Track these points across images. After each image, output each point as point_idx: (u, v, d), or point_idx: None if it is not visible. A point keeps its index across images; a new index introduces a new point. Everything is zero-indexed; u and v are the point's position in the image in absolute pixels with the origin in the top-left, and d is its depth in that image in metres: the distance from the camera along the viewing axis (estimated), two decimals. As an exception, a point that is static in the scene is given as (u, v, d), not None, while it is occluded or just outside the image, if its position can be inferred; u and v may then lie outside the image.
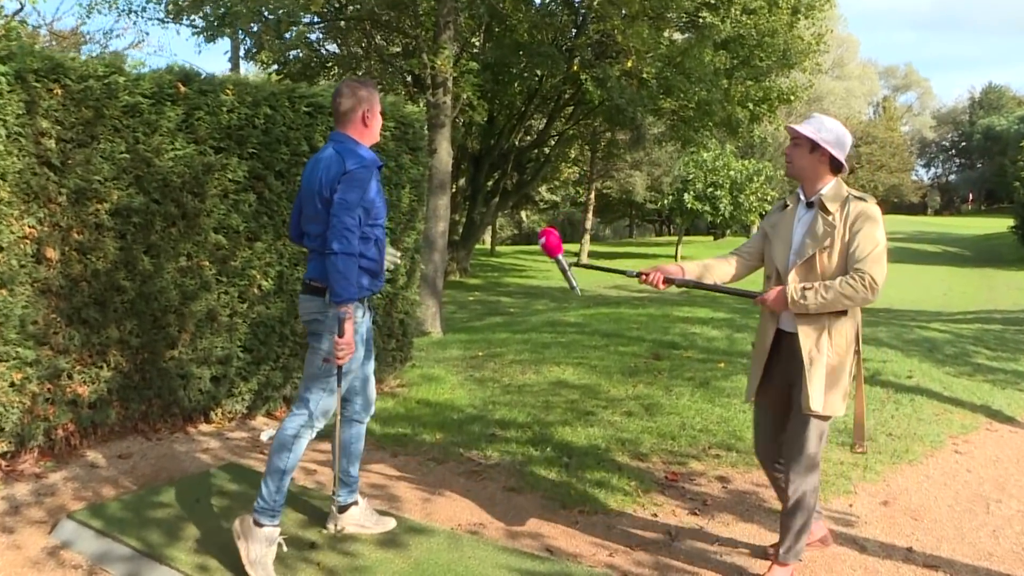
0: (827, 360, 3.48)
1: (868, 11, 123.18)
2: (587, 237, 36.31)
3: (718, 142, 27.27)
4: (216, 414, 5.98)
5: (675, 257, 36.12)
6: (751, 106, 18.11)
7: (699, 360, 8.07)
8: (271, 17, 12.66)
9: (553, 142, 25.41)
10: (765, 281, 3.74)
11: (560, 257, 3.80)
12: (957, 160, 77.27)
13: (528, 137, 25.51)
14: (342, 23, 18.89)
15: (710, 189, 34.30)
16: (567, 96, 21.83)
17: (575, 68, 17.42)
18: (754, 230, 49.10)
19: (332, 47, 20.62)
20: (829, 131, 3.54)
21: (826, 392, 3.49)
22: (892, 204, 50.13)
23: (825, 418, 3.53)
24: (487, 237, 44.82)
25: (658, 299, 15.21)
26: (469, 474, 5.01)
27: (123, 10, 18.24)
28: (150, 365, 5.47)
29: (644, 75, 15.64)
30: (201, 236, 5.59)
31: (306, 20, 17.86)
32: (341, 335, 3.52)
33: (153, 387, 5.52)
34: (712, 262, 3.83)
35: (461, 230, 26.40)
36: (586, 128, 25.33)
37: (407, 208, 6.91)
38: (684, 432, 5.73)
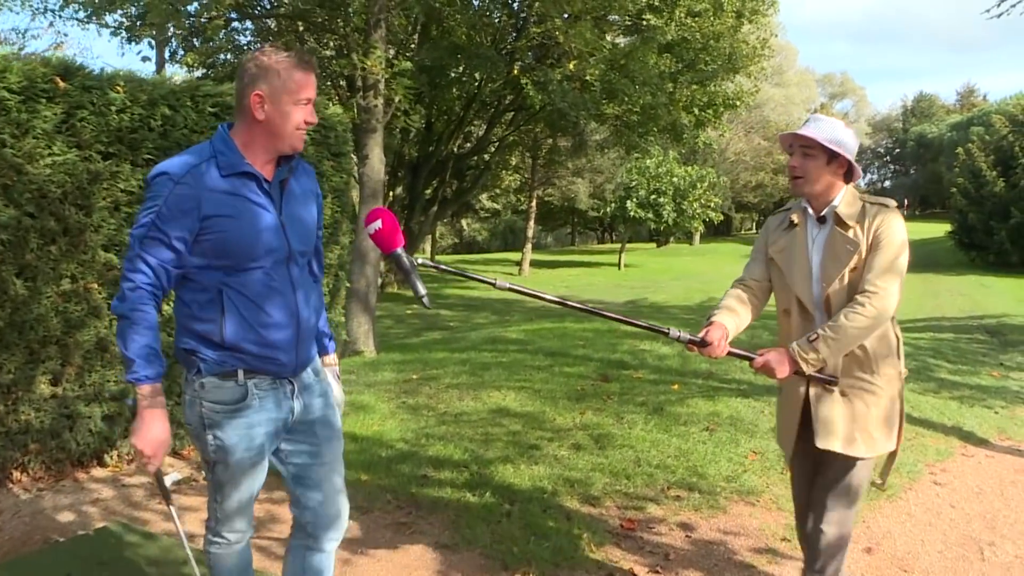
0: (876, 396, 2.96)
1: (805, 22, 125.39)
2: (528, 246, 35.79)
3: (661, 148, 26.95)
4: (111, 457, 5.23)
5: (618, 266, 35.84)
6: (696, 111, 17.72)
7: (651, 382, 7.51)
8: (191, 17, 11.85)
9: (493, 149, 24.81)
10: (782, 317, 3.14)
11: (400, 253, 2.65)
12: (892, 166, 78.72)
13: (467, 144, 24.88)
14: (272, 25, 18.09)
15: (653, 196, 34.08)
16: (507, 101, 21.27)
17: (515, 72, 16.86)
18: (696, 237, 49.33)
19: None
20: (843, 136, 2.94)
21: (879, 430, 2.98)
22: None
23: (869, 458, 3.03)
24: (427, 247, 44.07)
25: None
26: (397, 527, 4.35)
27: (37, 9, 17.24)
28: (26, 405, 4.71)
29: (587, 77, 15.13)
30: (88, 255, 4.84)
31: (234, 21, 17.06)
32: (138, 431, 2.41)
33: (31, 431, 4.76)
34: (736, 305, 3.13)
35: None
36: (527, 135, 24.81)
37: (329, 220, 6.23)
38: (639, 469, 5.13)
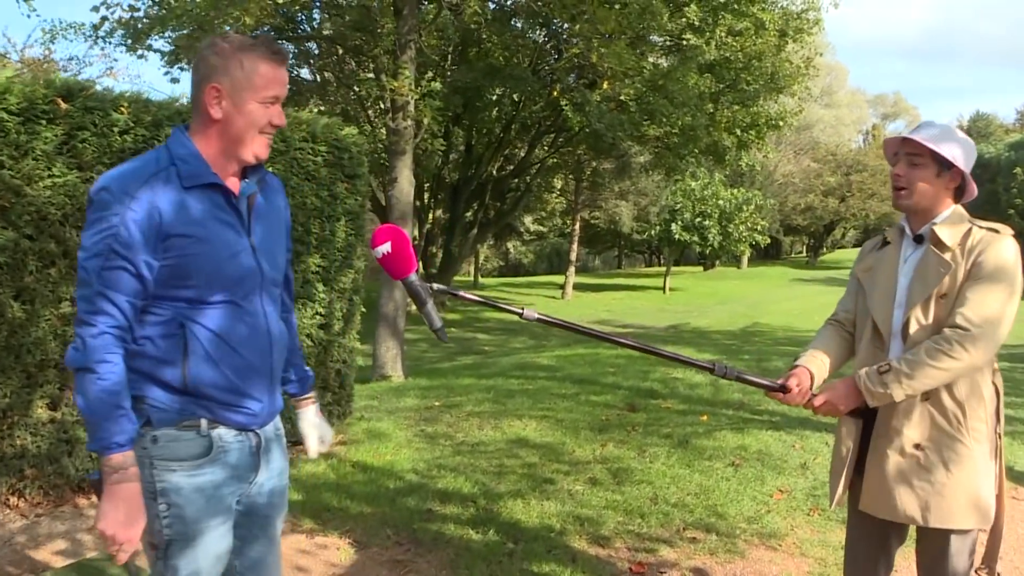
0: (961, 450, 2.51)
1: (856, 41, 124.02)
2: (572, 269, 35.55)
3: (705, 171, 26.62)
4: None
5: (663, 289, 35.45)
6: (738, 132, 17.39)
7: (679, 412, 7.23)
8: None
9: (534, 171, 24.66)
10: (857, 345, 2.77)
11: (413, 279, 2.31)
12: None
13: (509, 166, 24.77)
14: (314, 48, 18.19)
15: (698, 219, 33.68)
16: (548, 123, 21.14)
17: (555, 93, 16.72)
18: (744, 261, 48.77)
19: (305, 73, 19.92)
20: (959, 144, 2.58)
21: (967, 496, 2.50)
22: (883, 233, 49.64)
23: (968, 531, 2.57)
24: (470, 269, 44.07)
25: (643, 336, 14.42)
26: (393, 565, 4.14)
27: (89, 36, 17.54)
28: (22, 430, 4.60)
29: (623, 97, 14.92)
30: (88, 278, 4.74)
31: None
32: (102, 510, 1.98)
33: (27, 456, 4.64)
34: (824, 344, 2.82)
35: (439, 262, 25.55)
36: (569, 157, 24.62)
37: (343, 243, 6.09)
38: (655, 508, 4.86)
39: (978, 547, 2.70)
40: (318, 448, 2.53)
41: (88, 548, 4.32)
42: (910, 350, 2.52)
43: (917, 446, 2.53)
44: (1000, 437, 2.59)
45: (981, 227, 2.55)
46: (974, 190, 2.62)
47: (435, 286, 2.38)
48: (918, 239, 2.64)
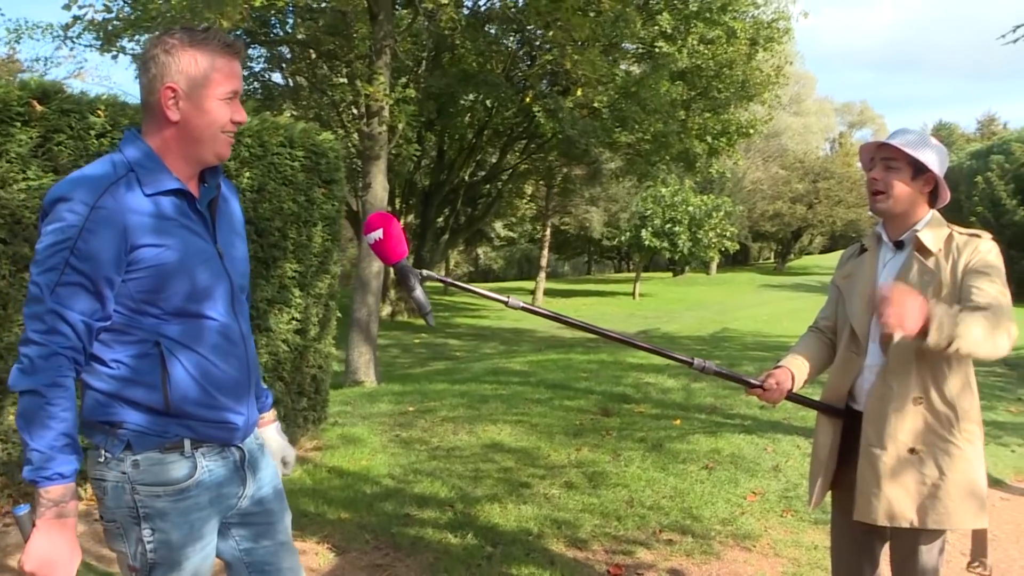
0: (954, 452, 2.53)
1: (825, 51, 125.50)
2: (543, 274, 35.62)
3: (676, 177, 26.81)
4: (85, 490, 5.06)
5: (633, 295, 35.61)
6: (709, 139, 17.56)
7: (652, 416, 7.29)
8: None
9: (506, 177, 24.72)
10: (839, 350, 2.79)
11: (404, 264, 2.37)
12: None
13: (480, 172, 24.81)
14: (286, 52, 18.11)
15: (668, 225, 33.87)
16: (520, 129, 21.21)
17: (528, 100, 16.79)
18: (713, 267, 48.99)
19: (277, 77, 19.83)
20: (932, 149, 2.62)
21: (963, 496, 2.53)
22: (850, 239, 50.18)
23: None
24: (442, 273, 44.02)
25: (611, 342, 14.47)
26: (372, 569, 4.15)
27: (58, 36, 17.37)
28: (-5, 436, 4.56)
29: (596, 104, 15.02)
30: (63, 282, 4.70)
31: (248, 47, 17.07)
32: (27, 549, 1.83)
33: None
34: (804, 349, 2.86)
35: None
36: (541, 163, 24.70)
37: (320, 249, 6.08)
38: (631, 511, 4.91)
39: (946, 544, 2.76)
40: (282, 471, 2.39)
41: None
42: (897, 357, 2.56)
43: (912, 450, 2.55)
44: (982, 438, 2.64)
45: (962, 233, 2.60)
46: (947, 195, 2.66)
47: (425, 272, 2.41)
48: (898, 245, 2.67)
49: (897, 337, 2.47)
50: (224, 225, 2.12)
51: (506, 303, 2.59)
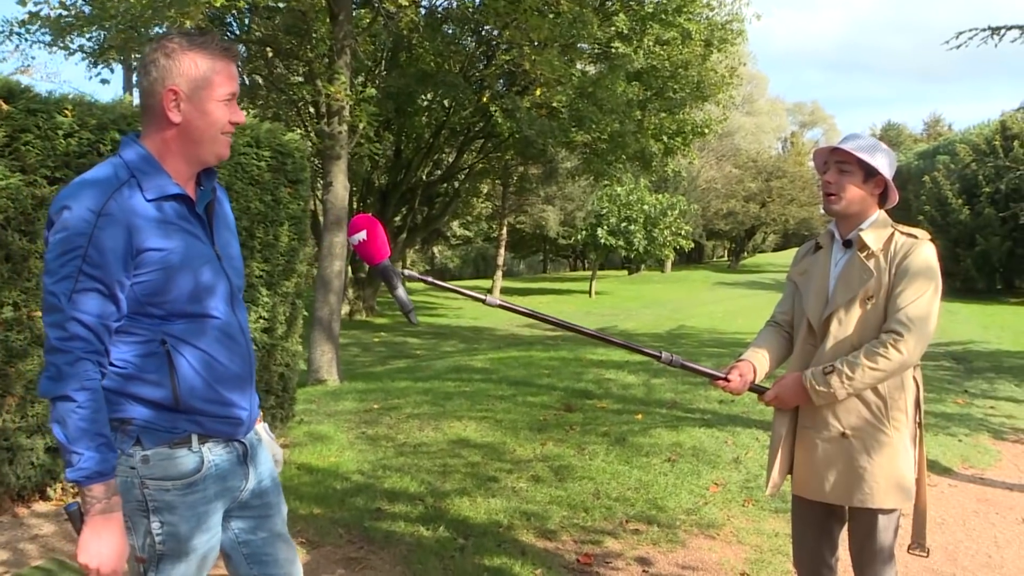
0: (881, 444, 2.74)
1: (776, 52, 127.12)
2: (499, 273, 35.71)
3: (632, 176, 27.05)
4: (54, 490, 5.06)
5: (589, 293, 35.83)
6: (665, 139, 17.79)
7: (614, 411, 7.42)
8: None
9: (463, 176, 24.76)
10: (795, 343, 2.99)
11: (387, 264, 2.46)
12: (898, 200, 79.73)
13: (437, 171, 24.82)
14: (242, 50, 17.97)
15: (624, 224, 34.14)
16: (477, 129, 21.27)
17: (485, 99, 16.86)
18: (668, 265, 49.32)
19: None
20: (881, 153, 2.80)
21: (888, 479, 2.74)
22: (803, 237, 51.04)
23: (892, 511, 2.80)
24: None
25: (571, 340, 14.63)
26: (347, 562, 4.22)
27: (3, 31, 17.07)
28: (-39, 437, 4.54)
29: (554, 104, 15.15)
30: (31, 282, 4.69)
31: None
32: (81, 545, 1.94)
33: (-30, 464, 4.59)
34: (765, 342, 3.04)
35: (367, 266, 25.38)
36: (497, 162, 24.78)
37: (286, 248, 6.12)
38: (598, 502, 5.03)
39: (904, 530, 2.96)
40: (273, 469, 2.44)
41: (31, 557, 4.28)
42: (835, 347, 2.78)
43: (843, 434, 2.76)
44: (920, 426, 2.82)
45: (903, 232, 2.79)
46: (896, 197, 2.85)
47: (407, 272, 2.53)
48: (847, 244, 2.85)
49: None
50: (220, 227, 2.20)
51: (484, 301, 2.69)
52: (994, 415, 7.95)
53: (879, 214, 2.85)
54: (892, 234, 2.79)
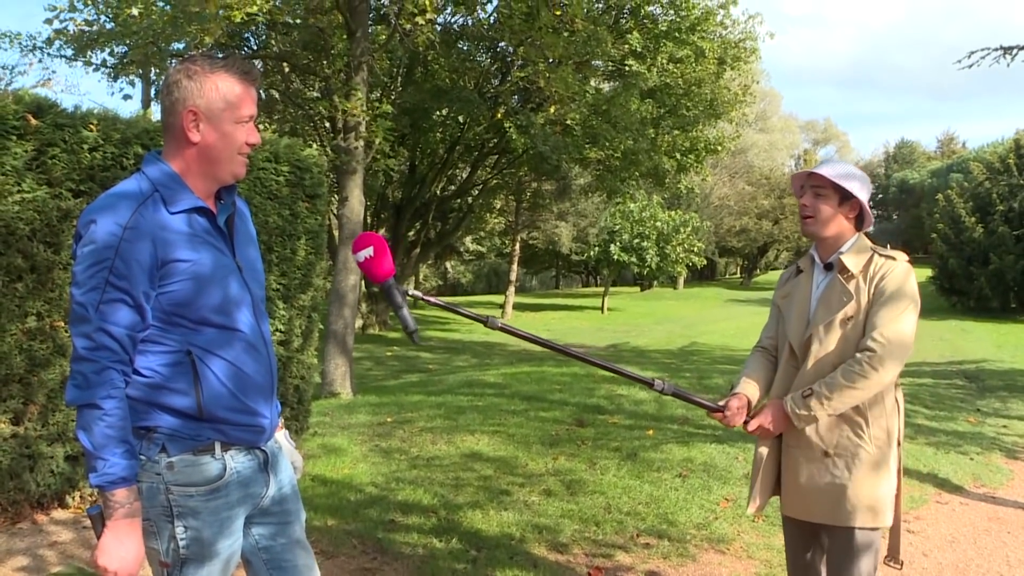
0: (863, 456, 2.79)
1: (790, 69, 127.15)
2: (512, 288, 35.76)
3: (645, 193, 27.09)
4: (73, 498, 5.14)
5: (601, 309, 35.82)
6: (678, 156, 17.85)
7: (626, 427, 7.47)
8: (173, 57, 11.87)
9: (476, 191, 24.87)
10: (780, 365, 3.04)
11: (391, 283, 2.48)
12: (874, 212, 79.14)
13: (451, 186, 24.95)
14: (259, 66, 18.16)
15: (636, 240, 34.15)
16: (491, 144, 21.38)
17: (499, 115, 16.97)
18: (680, 281, 49.16)
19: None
20: (855, 178, 2.88)
21: (868, 497, 2.77)
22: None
23: (873, 529, 2.82)
24: (410, 288, 43.93)
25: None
26: (361, 573, 4.27)
27: (26, 47, 17.30)
28: (-20, 447, 4.62)
29: (568, 122, 15.25)
30: (55, 293, 4.79)
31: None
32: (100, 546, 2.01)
33: (-13, 472, 4.66)
34: (754, 371, 3.08)
35: (381, 281, 25.44)
36: (511, 178, 24.89)
37: (303, 262, 6.21)
38: (609, 516, 5.08)
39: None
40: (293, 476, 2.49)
41: (51, 564, 4.35)
42: (816, 369, 2.83)
43: (825, 453, 2.81)
44: (899, 445, 2.87)
45: (882, 255, 2.86)
46: (871, 219, 2.94)
47: (411, 291, 2.55)
48: (828, 266, 2.93)
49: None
50: (241, 239, 2.28)
51: (485, 323, 2.71)
52: (1007, 434, 7.94)
53: (858, 237, 2.93)
54: (871, 256, 2.86)
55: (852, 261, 2.85)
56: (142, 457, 2.07)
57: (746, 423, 2.93)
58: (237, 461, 2.18)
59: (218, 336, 2.12)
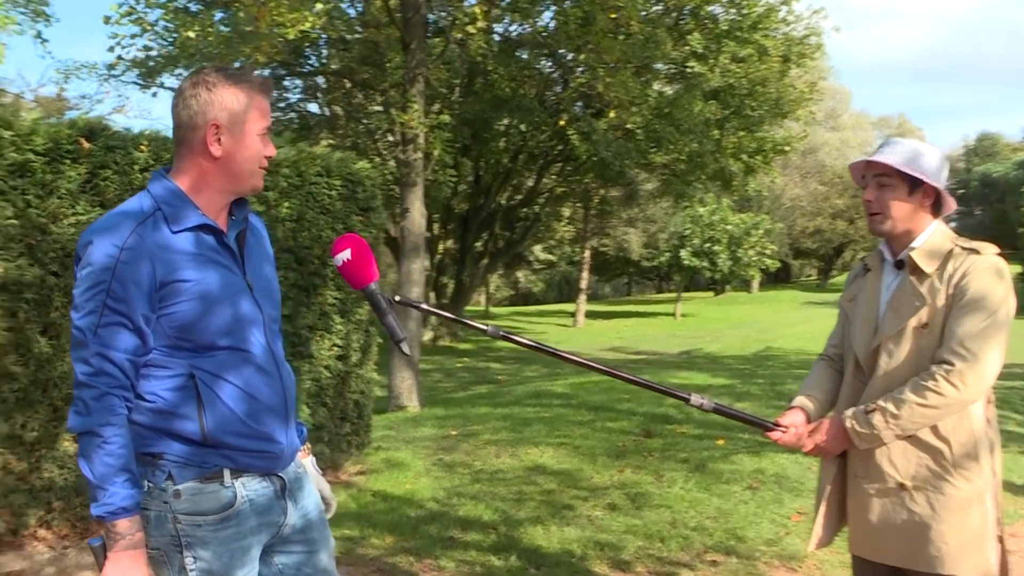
0: (948, 490, 2.34)
1: (859, 64, 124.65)
2: (583, 296, 35.60)
3: (713, 196, 26.71)
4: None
5: (674, 315, 35.43)
6: (745, 157, 17.50)
7: (694, 437, 7.25)
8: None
9: (543, 200, 24.81)
10: (845, 378, 2.63)
11: (373, 288, 2.25)
12: (956, 207, 77.13)
13: (517, 196, 24.93)
14: (321, 82, 18.41)
15: (707, 244, 33.73)
16: (555, 152, 21.31)
17: (562, 123, 16.88)
18: (755, 285, 48.43)
19: (313, 107, 20.14)
20: (926, 157, 2.43)
21: (960, 540, 2.32)
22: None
23: None
24: (481, 299, 44.13)
25: (654, 364, 14.45)
26: (417, 593, 4.18)
27: (102, 75, 17.89)
28: (50, 462, 4.66)
29: (629, 125, 15.08)
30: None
31: (284, 78, 17.38)
32: None
33: (55, 488, 4.70)
34: (822, 381, 2.69)
35: (450, 293, 25.67)
36: (577, 185, 24.77)
37: (359, 275, 6.17)
38: (675, 531, 4.89)
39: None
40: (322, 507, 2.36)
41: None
42: (885, 384, 2.42)
43: (901, 486, 2.39)
44: (995, 475, 2.41)
45: (963, 247, 2.41)
46: (951, 204, 2.50)
47: (397, 297, 2.35)
48: (899, 264, 2.50)
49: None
50: (253, 257, 2.17)
51: (485, 331, 2.49)
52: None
53: (935, 227, 2.48)
54: (951, 250, 2.41)
55: (926, 257, 2.41)
56: (149, 484, 1.98)
57: (802, 443, 2.55)
58: (250, 488, 2.07)
59: (227, 358, 2.02)
